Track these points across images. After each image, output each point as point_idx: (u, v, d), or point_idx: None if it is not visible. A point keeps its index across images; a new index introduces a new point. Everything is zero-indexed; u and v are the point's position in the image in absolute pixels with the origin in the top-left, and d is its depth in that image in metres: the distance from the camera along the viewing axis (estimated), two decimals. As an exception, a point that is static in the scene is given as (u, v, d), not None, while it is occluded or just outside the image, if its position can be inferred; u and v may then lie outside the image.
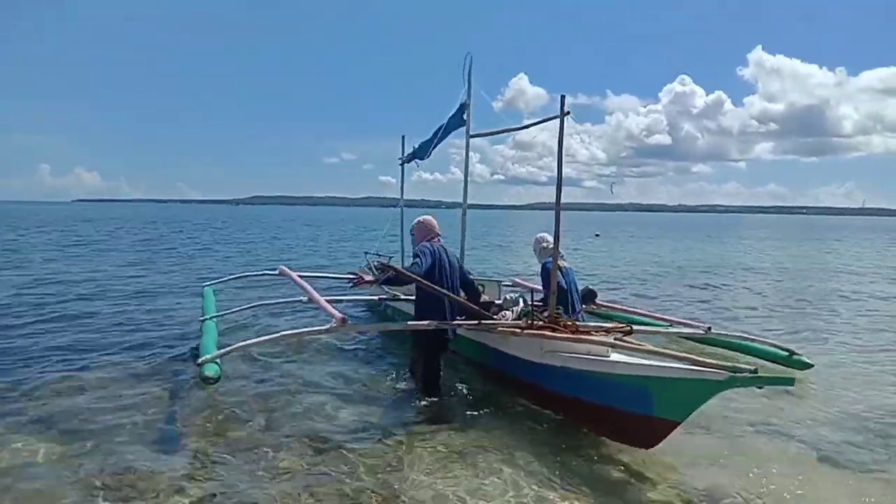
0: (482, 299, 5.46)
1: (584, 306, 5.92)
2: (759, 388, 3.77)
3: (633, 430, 3.83)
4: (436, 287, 4.71)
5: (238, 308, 6.86)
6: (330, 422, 4.42)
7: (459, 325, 4.94)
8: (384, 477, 3.52)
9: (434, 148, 7.53)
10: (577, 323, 4.81)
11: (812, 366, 5.71)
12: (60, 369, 5.49)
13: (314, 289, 5.76)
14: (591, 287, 6.59)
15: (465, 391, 5.12)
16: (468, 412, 4.61)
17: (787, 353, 5.81)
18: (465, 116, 6.50)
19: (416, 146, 7.88)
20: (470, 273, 5.59)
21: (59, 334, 6.89)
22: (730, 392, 3.85)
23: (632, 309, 7.40)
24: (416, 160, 8.08)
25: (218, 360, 4.54)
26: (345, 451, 3.84)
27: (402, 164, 8.53)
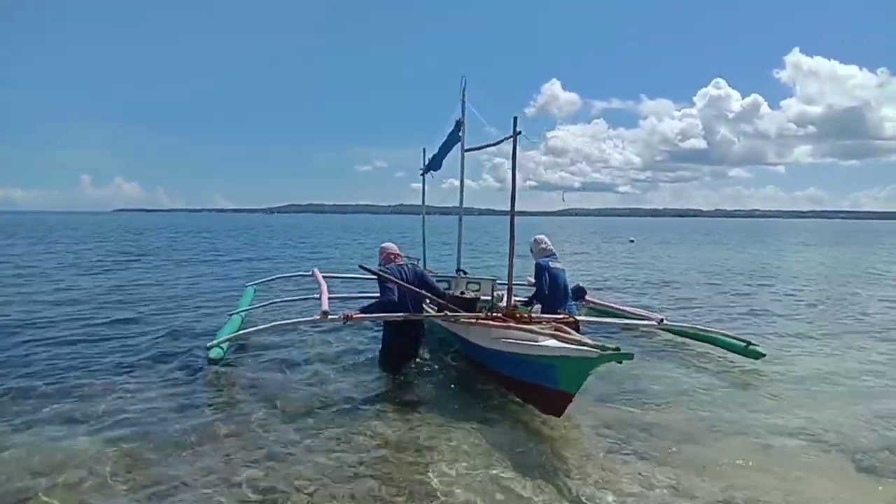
0: (472, 296, 6.33)
1: (576, 301, 6.88)
2: (619, 362, 4.23)
3: (548, 401, 4.55)
4: (397, 315, 5.75)
5: (260, 304, 7.99)
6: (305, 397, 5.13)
7: (424, 317, 5.96)
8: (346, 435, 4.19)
9: (442, 160, 8.24)
10: (534, 315, 5.63)
11: (764, 355, 6.20)
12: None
13: (333, 288, 6.88)
14: (580, 285, 7.49)
15: (432, 370, 6.00)
16: (428, 387, 5.52)
17: (744, 344, 6.40)
18: (460, 133, 7.20)
19: (430, 158, 8.37)
20: (432, 273, 7.03)
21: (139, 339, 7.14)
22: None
23: (608, 304, 8.34)
24: (432, 171, 8.58)
25: (223, 345, 5.63)
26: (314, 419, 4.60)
27: (422, 174, 8.88)
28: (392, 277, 5.77)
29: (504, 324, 5.31)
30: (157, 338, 7.18)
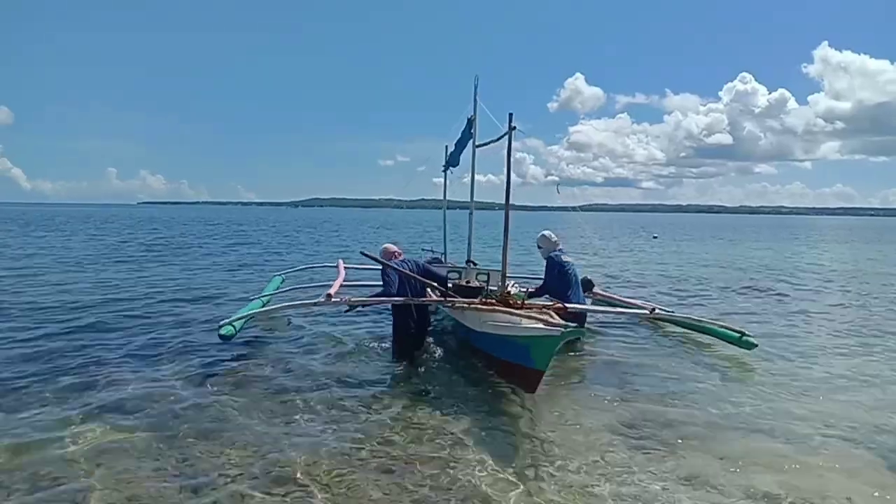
0: (477, 285, 6.67)
1: (585, 292, 7.37)
2: (579, 339, 4.71)
3: (524, 378, 4.93)
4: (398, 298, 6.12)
5: (281, 291, 8.32)
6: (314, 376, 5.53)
7: (422, 301, 6.23)
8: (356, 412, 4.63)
9: (459, 157, 8.65)
10: (527, 302, 5.95)
11: (756, 346, 6.38)
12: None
13: (355, 279, 7.70)
14: (588, 277, 7.89)
15: (438, 356, 6.33)
16: (432, 371, 5.84)
17: (738, 335, 6.57)
18: (471, 130, 7.54)
19: (449, 155, 8.71)
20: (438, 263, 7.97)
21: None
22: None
23: (612, 296, 8.73)
24: (451, 167, 8.94)
25: (234, 324, 5.99)
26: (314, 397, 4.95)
27: (444, 171, 9.22)
28: (390, 264, 6.13)
29: (492, 308, 5.62)
30: (188, 326, 7.46)
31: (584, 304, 6.89)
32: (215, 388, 5.09)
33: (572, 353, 6.34)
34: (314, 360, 6.05)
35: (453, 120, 8.19)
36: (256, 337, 6.89)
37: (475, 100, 7.50)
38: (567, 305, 6.14)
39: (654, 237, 37.51)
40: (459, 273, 7.27)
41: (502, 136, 6.37)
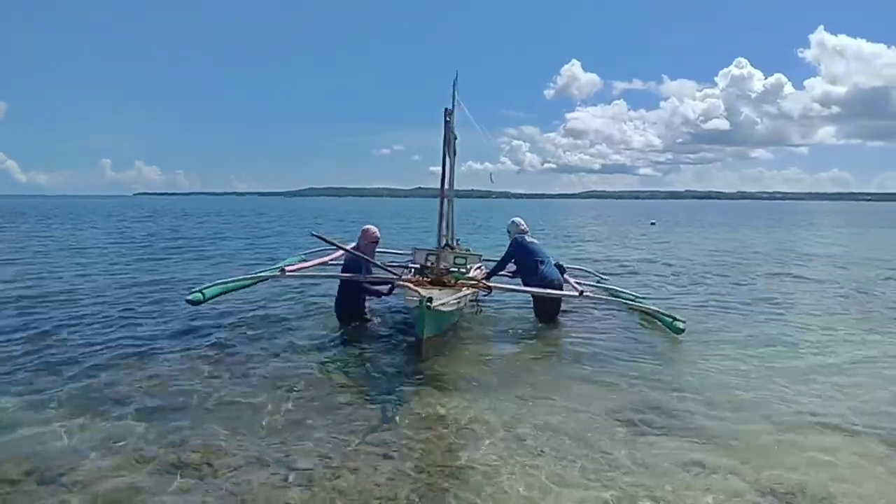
0: (442, 268, 7.10)
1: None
2: (427, 307, 5.06)
3: (416, 346, 5.47)
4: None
5: (262, 271, 8.36)
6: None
7: (353, 277, 6.75)
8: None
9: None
10: (462, 280, 6.72)
11: (683, 331, 6.57)
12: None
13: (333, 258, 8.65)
14: (561, 263, 8.30)
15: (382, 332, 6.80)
16: (374, 341, 6.36)
17: (670, 319, 6.83)
18: (447, 120, 7.82)
19: None
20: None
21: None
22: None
23: (581, 281, 8.91)
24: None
25: (203, 292, 6.58)
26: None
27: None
28: (338, 244, 6.73)
29: (415, 285, 6.23)
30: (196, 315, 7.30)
31: (558, 278, 7.46)
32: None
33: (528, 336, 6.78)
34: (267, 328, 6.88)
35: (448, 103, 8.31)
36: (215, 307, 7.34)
37: (453, 94, 7.98)
38: (492, 286, 6.99)
39: (652, 223, 37.38)
40: (437, 256, 7.51)
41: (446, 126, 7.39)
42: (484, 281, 7.10)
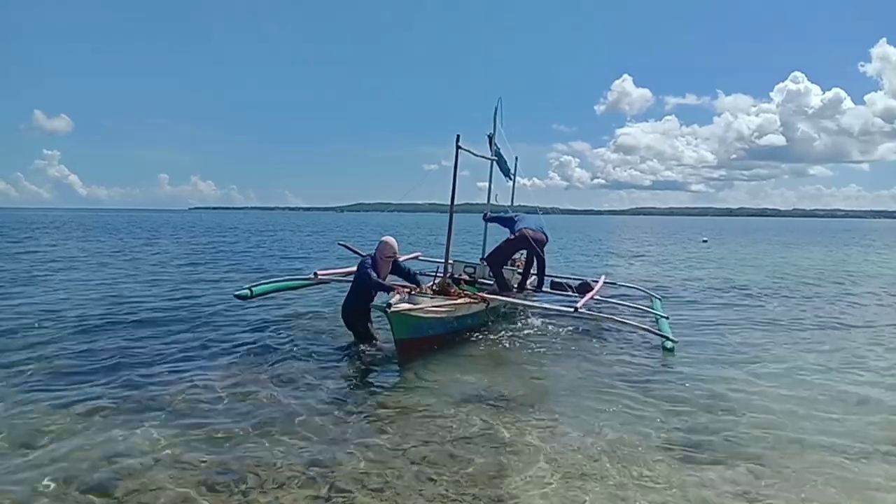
0: (457, 276, 8.14)
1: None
2: (385, 311, 5.58)
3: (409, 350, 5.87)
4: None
5: (303, 276, 8.82)
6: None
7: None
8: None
9: (506, 167, 9.36)
10: (461, 291, 7.05)
11: (672, 350, 6.74)
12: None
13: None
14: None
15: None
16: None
17: (662, 338, 7.06)
18: (490, 146, 8.35)
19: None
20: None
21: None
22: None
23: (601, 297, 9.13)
24: (507, 178, 9.87)
25: (252, 289, 7.36)
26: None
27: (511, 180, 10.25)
28: (355, 249, 7.14)
29: (419, 293, 6.60)
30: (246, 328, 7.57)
31: (540, 229, 8.42)
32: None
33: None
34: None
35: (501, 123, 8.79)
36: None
37: (494, 120, 8.35)
38: (488, 296, 7.35)
39: (704, 241, 36.59)
40: (474, 269, 8.38)
41: (479, 156, 8.26)
42: (483, 294, 7.47)
